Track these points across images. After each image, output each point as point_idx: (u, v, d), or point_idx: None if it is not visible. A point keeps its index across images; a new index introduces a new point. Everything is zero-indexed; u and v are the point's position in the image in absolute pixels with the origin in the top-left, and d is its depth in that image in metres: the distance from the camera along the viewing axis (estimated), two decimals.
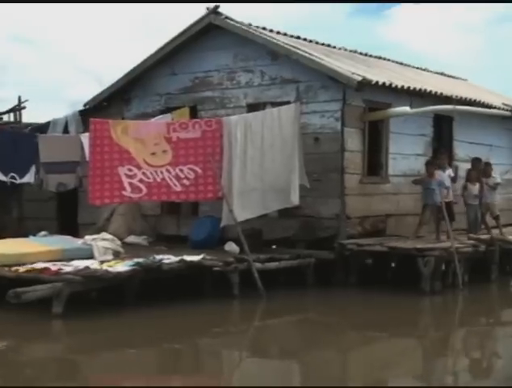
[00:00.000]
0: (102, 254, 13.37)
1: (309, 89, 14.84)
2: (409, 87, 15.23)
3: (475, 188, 16.10)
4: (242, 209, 14.14)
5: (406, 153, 16.08)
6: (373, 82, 14.30)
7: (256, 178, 14.17)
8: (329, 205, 14.63)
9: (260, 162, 14.17)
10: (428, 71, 22.13)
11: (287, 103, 14.75)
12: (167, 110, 16.14)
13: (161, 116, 15.58)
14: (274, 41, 15.02)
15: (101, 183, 13.90)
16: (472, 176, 16.27)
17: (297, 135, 14.15)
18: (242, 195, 14.12)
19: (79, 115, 17.20)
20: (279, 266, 13.75)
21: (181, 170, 14.03)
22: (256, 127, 14.14)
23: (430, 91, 15.85)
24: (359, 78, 14.05)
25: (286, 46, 14.87)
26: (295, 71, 14.94)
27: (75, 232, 17.16)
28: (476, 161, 16.96)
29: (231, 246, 14.32)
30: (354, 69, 15.01)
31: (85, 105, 17.16)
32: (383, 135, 15.54)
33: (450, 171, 15.72)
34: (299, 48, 14.85)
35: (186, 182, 14.04)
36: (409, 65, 21.21)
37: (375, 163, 15.69)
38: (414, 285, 13.45)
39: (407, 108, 14.91)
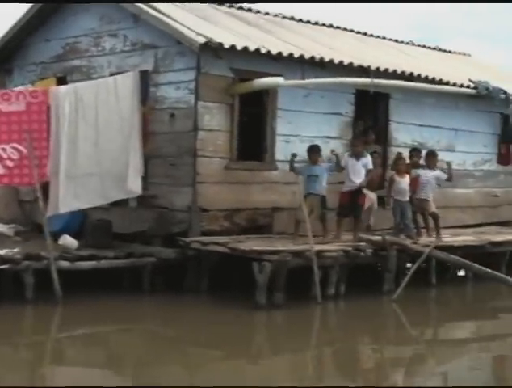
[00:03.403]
0: None
1: (166, 56, 12.46)
2: (291, 54, 12.55)
3: (404, 181, 13.33)
4: (74, 198, 12.02)
5: (308, 135, 13.40)
6: (226, 46, 11.73)
7: (91, 161, 11.98)
8: (181, 195, 12.24)
9: (95, 142, 11.97)
10: (417, 46, 19.15)
11: (146, 72, 12.43)
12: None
13: (19, 88, 13.50)
14: None
15: None
16: (401, 167, 13.49)
17: (136, 110, 11.83)
18: (74, 180, 11.97)
19: None
20: (98, 266, 11.47)
21: (3, 150, 12.02)
22: (89, 99, 11.93)
23: (332, 60, 13.07)
24: (203, 40, 11.53)
25: (139, 4, 12.50)
26: (153, 35, 12.60)
27: None
28: (413, 151, 14.23)
29: (65, 240, 12.15)
30: (223, 32, 12.52)
31: None
32: (267, 113, 12.91)
33: (367, 160, 12.97)
34: (153, 7, 12.43)
35: (9, 163, 12.02)
36: (381, 38, 18.31)
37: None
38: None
39: (279, 79, 12.26)
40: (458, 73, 16.42)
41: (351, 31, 17.47)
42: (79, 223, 13.02)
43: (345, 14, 33.85)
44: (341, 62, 13.18)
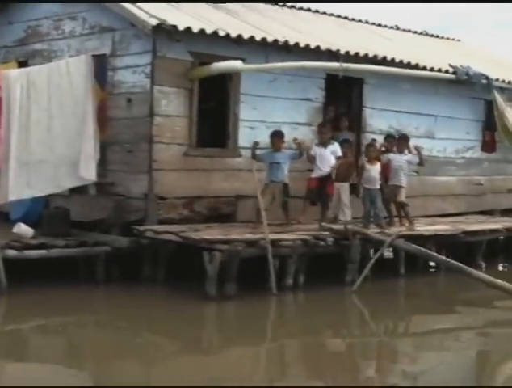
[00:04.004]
0: None
1: (123, 39, 12.09)
2: (252, 38, 12.11)
3: (374, 169, 12.93)
4: (27, 185, 11.70)
5: (275, 121, 12.99)
6: (181, 28, 11.34)
7: (45, 147, 11.67)
8: (138, 183, 11.90)
9: (48, 128, 11.66)
10: (401, 30, 18.69)
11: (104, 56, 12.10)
12: None
13: None
14: None
15: None
16: (371, 155, 13.10)
17: (90, 94, 11.48)
18: (26, 167, 11.66)
19: None
20: (47, 255, 11.14)
21: None
22: (41, 84, 11.61)
23: (297, 44, 12.64)
24: (155, 22, 11.14)
25: None
26: (111, 17, 12.24)
27: None
28: (388, 138, 13.85)
29: (20, 228, 11.80)
30: (181, 14, 12.13)
31: None
32: (230, 98, 12.52)
33: (335, 147, 12.61)
34: None
35: None
36: (363, 22, 17.82)
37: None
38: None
39: (237, 63, 11.85)
40: (441, 58, 15.90)
41: (331, 15, 17.00)
42: (40, 211, 12.67)
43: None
44: (307, 46, 12.74)
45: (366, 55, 13.52)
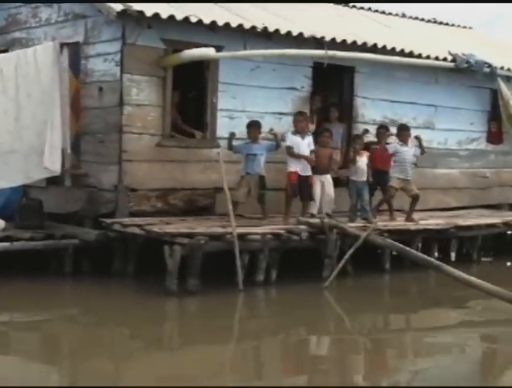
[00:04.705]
0: None
1: (95, 26, 11.75)
2: (228, 24, 11.69)
3: (362, 161, 12.50)
4: None
5: (257, 111, 12.55)
6: (148, 14, 10.96)
7: (14, 137, 11.43)
8: (109, 174, 11.57)
9: (16, 117, 11.39)
10: (408, 18, 18.11)
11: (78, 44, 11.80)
12: None
13: None
14: None
15: None
16: (358, 146, 12.64)
17: (57, 82, 11.18)
18: None
19: None
20: (10, 248, 10.86)
21: None
22: (8, 72, 11.36)
23: (277, 30, 12.18)
24: (120, 8, 10.78)
25: None
26: (84, 4, 11.90)
27: None
28: (381, 129, 13.37)
29: None
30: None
31: None
32: (208, 87, 12.12)
33: (310, 140, 12.13)
34: None
35: None
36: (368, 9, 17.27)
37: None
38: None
39: (209, 51, 11.41)
40: (443, 45, 15.19)
41: (330, 1, 16.43)
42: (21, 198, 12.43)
43: None
44: (289, 32, 12.25)
45: (354, 42, 12.98)
